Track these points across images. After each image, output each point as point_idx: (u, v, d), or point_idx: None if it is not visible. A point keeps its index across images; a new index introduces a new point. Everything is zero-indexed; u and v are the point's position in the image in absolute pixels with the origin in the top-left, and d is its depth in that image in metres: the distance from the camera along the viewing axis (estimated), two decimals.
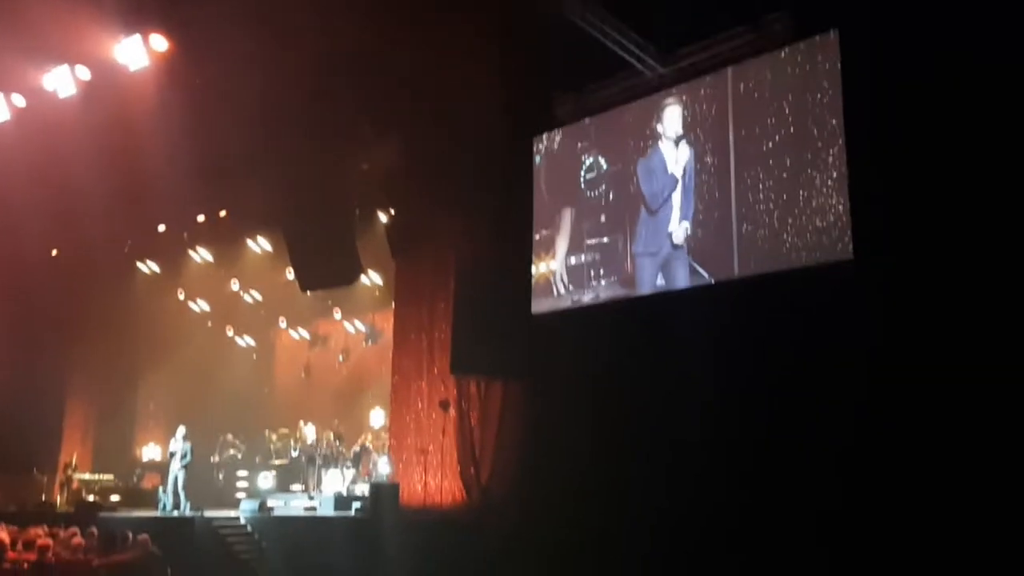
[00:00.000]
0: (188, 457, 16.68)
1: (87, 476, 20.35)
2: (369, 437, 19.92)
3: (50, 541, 10.68)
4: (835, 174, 11.63)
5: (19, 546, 10.63)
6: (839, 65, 11.70)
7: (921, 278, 10.74)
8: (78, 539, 11.93)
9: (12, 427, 19.66)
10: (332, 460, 19.15)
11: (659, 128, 13.94)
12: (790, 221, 12.06)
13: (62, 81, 16.67)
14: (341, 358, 23.64)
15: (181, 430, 17.09)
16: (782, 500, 11.39)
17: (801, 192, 11.98)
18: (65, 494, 19.38)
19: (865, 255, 11.16)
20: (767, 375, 12.00)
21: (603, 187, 14.66)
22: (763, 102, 12.57)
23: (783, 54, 12.44)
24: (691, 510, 12.10)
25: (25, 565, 10.03)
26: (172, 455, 16.85)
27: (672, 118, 13.76)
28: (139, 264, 22.93)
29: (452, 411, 16.06)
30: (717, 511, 11.87)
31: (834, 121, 11.72)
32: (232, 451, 21.95)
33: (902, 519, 10.41)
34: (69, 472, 19.77)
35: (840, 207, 11.52)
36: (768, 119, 12.47)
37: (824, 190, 11.75)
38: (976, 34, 10.36)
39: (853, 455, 10.88)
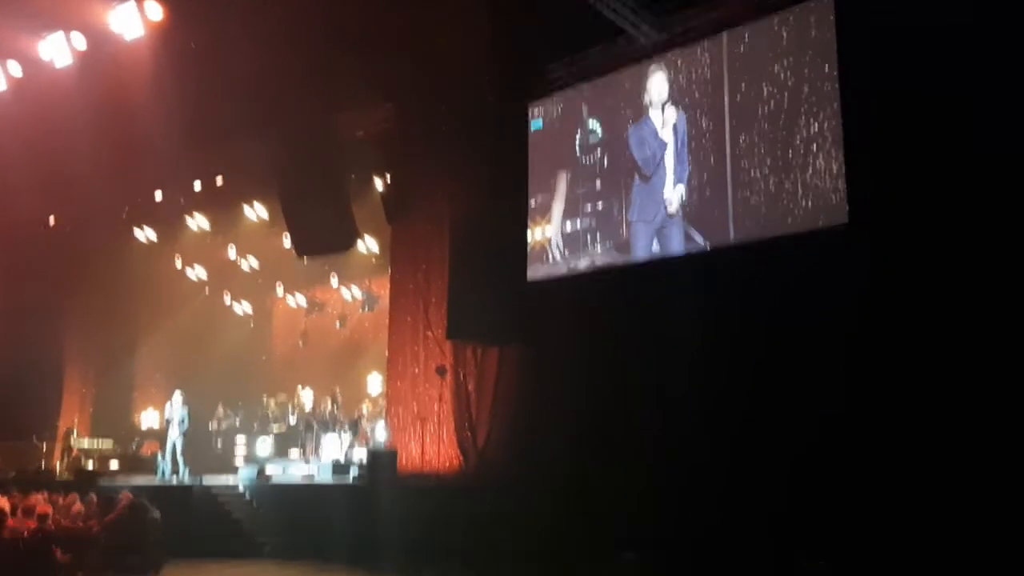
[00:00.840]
0: (186, 423, 16.78)
1: (87, 443, 20.49)
2: (367, 403, 20.00)
3: (50, 508, 10.77)
4: (831, 138, 11.59)
5: (19, 513, 10.72)
6: (834, 29, 11.63)
7: (917, 242, 10.72)
8: (78, 506, 12.07)
9: (11, 394, 19.79)
10: (330, 426, 19.27)
11: (647, 95, 13.89)
12: (786, 186, 12.03)
13: (58, 50, 16.65)
14: (339, 324, 23.62)
15: (177, 396, 17.17)
16: (777, 466, 11.43)
17: (796, 156, 11.94)
18: (65, 461, 19.54)
19: (861, 219, 11.14)
20: (762, 340, 12.02)
21: (598, 152, 14.60)
22: (758, 67, 12.48)
23: (778, 18, 12.34)
24: (685, 474, 12.16)
25: (25, 532, 10.11)
26: (169, 421, 16.95)
27: (660, 84, 13.69)
28: (136, 231, 22.86)
29: (449, 377, 16.10)
30: (711, 476, 11.93)
31: (829, 85, 11.66)
32: (229, 419, 22.06)
33: (897, 480, 10.46)
34: (70, 440, 19.92)
35: (835, 171, 11.50)
36: (763, 84, 12.40)
37: (820, 154, 11.71)
38: None
39: (848, 420, 10.92)
